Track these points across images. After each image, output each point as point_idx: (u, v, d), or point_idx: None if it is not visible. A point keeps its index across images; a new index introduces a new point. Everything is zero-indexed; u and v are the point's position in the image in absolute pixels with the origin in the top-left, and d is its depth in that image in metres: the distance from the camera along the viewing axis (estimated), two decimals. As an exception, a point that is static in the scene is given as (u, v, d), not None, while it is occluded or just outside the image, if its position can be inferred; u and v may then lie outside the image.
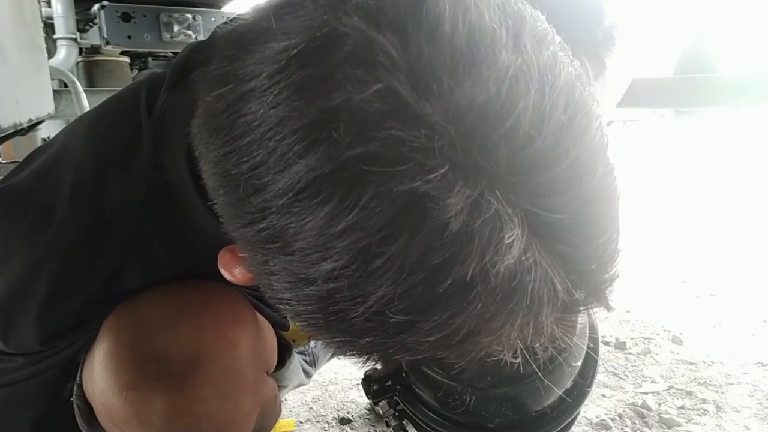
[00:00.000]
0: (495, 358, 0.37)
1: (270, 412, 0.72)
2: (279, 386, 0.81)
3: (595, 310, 0.39)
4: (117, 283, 0.56)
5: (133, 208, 0.55)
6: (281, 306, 0.38)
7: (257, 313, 0.64)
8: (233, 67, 0.36)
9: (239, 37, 0.37)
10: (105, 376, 0.54)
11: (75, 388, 0.59)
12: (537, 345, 0.38)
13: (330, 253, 0.32)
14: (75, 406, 0.59)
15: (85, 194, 0.55)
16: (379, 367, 0.42)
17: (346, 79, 0.30)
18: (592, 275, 0.36)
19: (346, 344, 0.38)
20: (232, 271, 0.44)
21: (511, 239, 0.31)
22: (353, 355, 0.40)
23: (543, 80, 0.32)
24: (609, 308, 0.39)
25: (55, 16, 2.55)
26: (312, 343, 0.93)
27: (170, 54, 2.73)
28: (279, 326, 0.74)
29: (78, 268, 0.55)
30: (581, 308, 0.37)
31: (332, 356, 1.01)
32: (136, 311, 0.56)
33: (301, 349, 0.92)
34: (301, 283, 0.35)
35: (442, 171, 0.30)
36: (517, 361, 0.38)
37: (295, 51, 0.32)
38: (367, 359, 0.40)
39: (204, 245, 0.47)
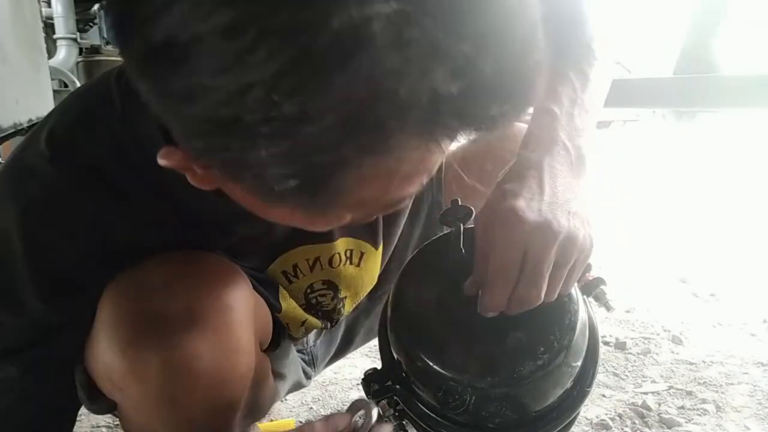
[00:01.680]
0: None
1: (264, 387, 0.73)
2: (276, 373, 0.82)
3: None
4: (108, 236, 0.57)
5: (105, 164, 0.56)
6: (193, 147, 0.38)
7: (252, 290, 0.66)
8: None
9: None
10: (105, 337, 0.56)
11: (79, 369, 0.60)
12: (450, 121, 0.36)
13: (210, 48, 0.32)
14: (77, 383, 0.60)
15: (61, 152, 0.57)
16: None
17: None
18: (492, 40, 0.34)
19: (267, 169, 0.37)
20: (176, 160, 0.43)
21: None
22: (281, 181, 0.38)
23: None
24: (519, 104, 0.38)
25: (55, 16, 2.56)
26: (311, 341, 0.94)
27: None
28: (272, 308, 0.75)
29: (63, 217, 0.56)
30: (484, 78, 0.35)
31: (333, 359, 1.01)
32: (134, 276, 0.58)
33: (300, 347, 0.93)
34: (196, 101, 0.35)
35: None
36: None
37: None
38: (299, 185, 0.38)
39: (181, 197, 0.51)
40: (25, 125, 1.32)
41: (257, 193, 0.41)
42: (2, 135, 1.20)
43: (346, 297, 0.85)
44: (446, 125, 0.37)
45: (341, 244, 0.78)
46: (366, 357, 1.39)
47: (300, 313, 0.81)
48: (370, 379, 0.65)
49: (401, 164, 0.39)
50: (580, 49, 0.68)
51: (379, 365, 0.66)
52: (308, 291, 0.80)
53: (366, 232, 0.80)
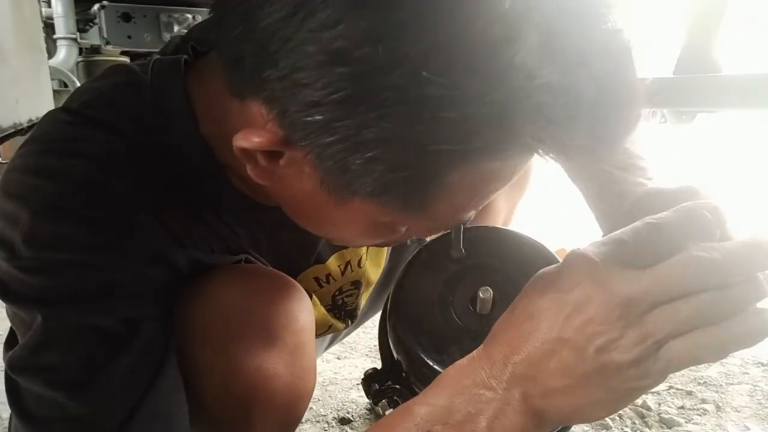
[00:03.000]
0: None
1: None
2: None
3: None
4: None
5: (131, 133, 0.52)
6: (309, 120, 0.36)
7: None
8: None
9: None
10: (188, 354, 0.54)
11: None
12: None
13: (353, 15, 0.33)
14: None
15: (83, 114, 0.52)
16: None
17: None
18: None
19: (383, 146, 0.35)
20: (255, 134, 0.42)
21: None
22: (387, 169, 0.37)
23: None
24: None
25: (55, 16, 2.56)
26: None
27: (170, 54, 2.73)
28: None
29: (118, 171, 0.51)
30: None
31: (329, 346, 1.02)
32: (207, 292, 0.55)
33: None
34: (329, 62, 0.34)
35: None
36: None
37: None
38: (402, 172, 0.37)
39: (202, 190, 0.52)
40: (25, 125, 1.32)
41: (340, 186, 0.40)
42: (2, 135, 1.20)
43: (363, 292, 0.86)
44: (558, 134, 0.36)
45: None
46: (366, 357, 1.39)
47: (327, 318, 0.81)
48: (370, 379, 0.65)
49: (506, 164, 0.39)
50: None
51: (379, 365, 0.66)
52: (336, 293, 0.80)
53: None
